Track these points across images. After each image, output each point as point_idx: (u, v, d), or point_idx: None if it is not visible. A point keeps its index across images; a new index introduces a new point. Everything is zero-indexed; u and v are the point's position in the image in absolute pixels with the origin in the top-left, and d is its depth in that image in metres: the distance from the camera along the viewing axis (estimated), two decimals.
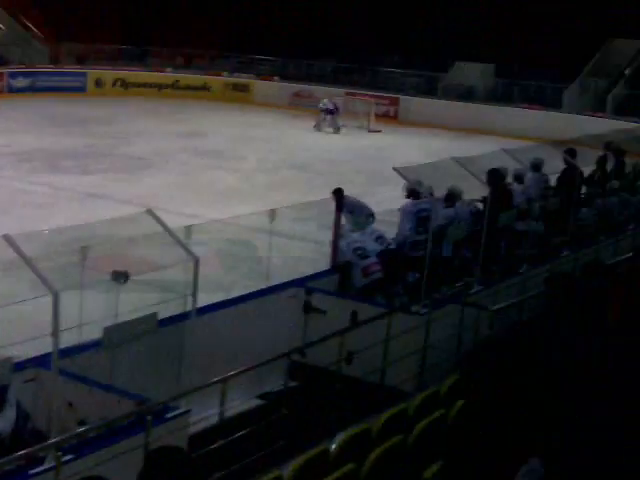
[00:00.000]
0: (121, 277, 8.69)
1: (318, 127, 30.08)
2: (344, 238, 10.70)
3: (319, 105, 30.55)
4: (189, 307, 8.69)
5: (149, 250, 11.56)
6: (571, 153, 13.75)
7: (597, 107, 30.97)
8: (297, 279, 10.10)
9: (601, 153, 15.31)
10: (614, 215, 13.71)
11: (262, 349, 8.09)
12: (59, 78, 33.34)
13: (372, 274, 10.37)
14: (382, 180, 17.54)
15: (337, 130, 29.85)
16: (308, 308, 9.46)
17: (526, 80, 33.08)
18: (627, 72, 32.41)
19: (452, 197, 11.45)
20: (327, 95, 31.62)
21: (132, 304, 8.69)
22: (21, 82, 35.24)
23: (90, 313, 8.62)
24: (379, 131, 30.03)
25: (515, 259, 11.07)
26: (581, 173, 13.65)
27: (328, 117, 30.09)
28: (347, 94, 33.26)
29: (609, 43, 33.36)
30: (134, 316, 8.15)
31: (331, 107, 30.20)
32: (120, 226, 12.44)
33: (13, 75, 35.22)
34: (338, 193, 10.73)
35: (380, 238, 10.87)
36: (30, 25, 38.55)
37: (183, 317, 8.66)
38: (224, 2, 42.20)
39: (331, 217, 10.87)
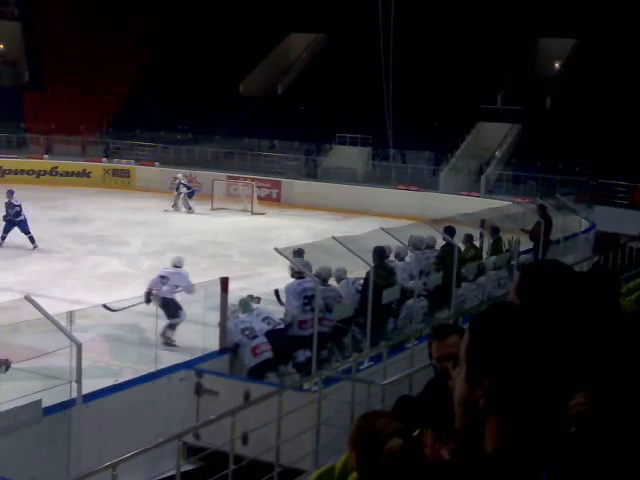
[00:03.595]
0: (1, 365, 8.50)
1: (176, 206, 30.29)
2: (231, 319, 10.75)
3: (175, 182, 30.88)
4: (75, 394, 8.54)
5: (30, 337, 11.33)
6: (449, 231, 14.22)
7: (471, 187, 32.13)
8: (187, 361, 10.06)
9: (477, 231, 15.87)
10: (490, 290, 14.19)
11: (154, 432, 7.98)
12: None
13: (262, 354, 10.42)
14: (268, 261, 17.69)
15: (189, 210, 30.14)
16: (200, 390, 9.39)
17: (402, 163, 34.15)
18: (498, 153, 33.88)
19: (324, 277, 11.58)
20: (207, 179, 31.92)
21: (14, 392, 8.48)
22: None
23: None
24: (263, 214, 30.32)
25: (403, 334, 11.30)
26: (459, 250, 14.12)
27: (183, 194, 30.33)
28: (229, 178, 33.51)
29: (479, 127, 34.90)
30: (17, 404, 7.96)
31: (186, 183, 30.52)
32: None
33: None
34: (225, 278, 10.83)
35: (267, 318, 10.96)
36: None
37: (69, 404, 8.49)
38: (101, 89, 42.28)
39: (217, 299, 10.92)
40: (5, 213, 22.64)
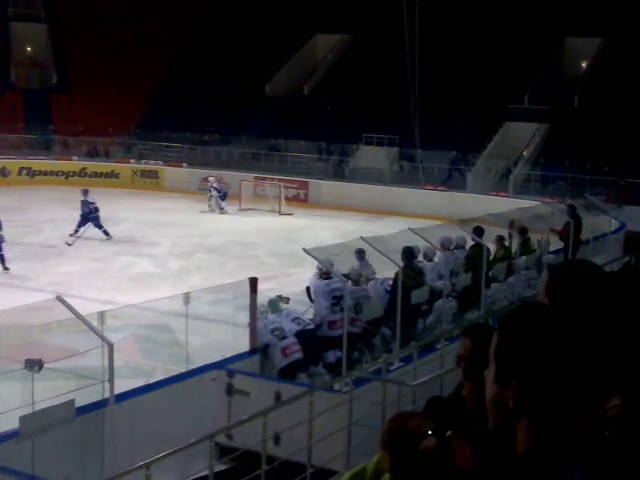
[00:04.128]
0: (35, 365, 8.58)
1: (210, 208, 30.56)
2: (261, 319, 10.78)
3: (207, 185, 31.19)
4: (107, 394, 8.61)
5: (62, 337, 11.44)
6: (478, 231, 14.19)
7: (499, 187, 32.02)
8: (218, 362, 10.10)
9: (506, 231, 15.82)
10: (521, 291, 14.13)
11: (186, 432, 8.04)
12: None
13: (292, 354, 10.45)
14: (296, 261, 17.73)
15: (222, 210, 30.36)
16: (231, 390, 9.44)
17: (429, 163, 34.08)
18: (525, 153, 33.73)
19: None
20: (235, 179, 32.06)
21: (48, 392, 8.56)
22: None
23: (6, 402, 8.46)
24: (290, 214, 30.39)
25: (433, 335, 11.30)
26: (488, 250, 14.08)
27: (215, 197, 30.57)
28: (256, 179, 33.62)
29: (506, 127, 34.76)
30: (51, 404, 8.03)
31: (217, 186, 30.70)
32: (31, 314, 12.30)
33: None
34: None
35: (297, 319, 10.98)
36: None
37: (102, 404, 8.56)
38: (129, 91, 42.56)
39: (246, 299, 10.96)
40: (81, 210, 24.38)
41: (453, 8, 38.62)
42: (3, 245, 19.78)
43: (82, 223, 24.13)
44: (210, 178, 31.66)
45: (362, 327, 11.12)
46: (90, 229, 24.06)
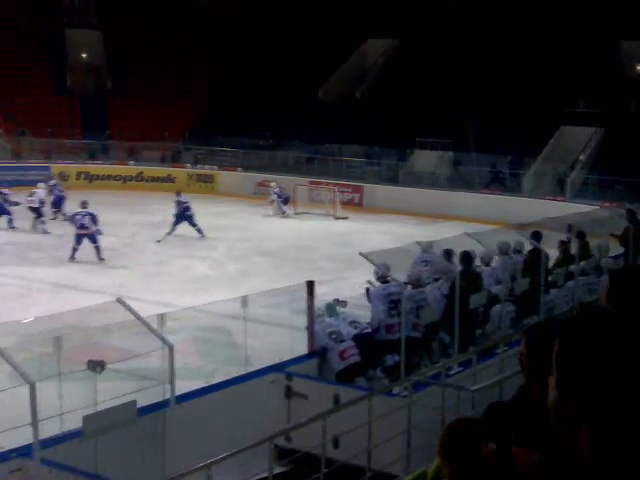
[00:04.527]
0: (97, 366, 8.70)
1: (274, 212, 30.82)
2: (318, 323, 10.81)
3: (269, 190, 31.51)
4: (167, 395, 8.71)
5: (123, 339, 11.59)
6: (536, 236, 14.06)
7: (555, 191, 31.72)
8: (277, 364, 10.16)
9: (564, 236, 15.65)
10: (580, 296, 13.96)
11: (246, 434, 8.10)
12: (22, 172, 33.43)
13: (349, 357, 10.46)
14: (351, 265, 17.73)
15: (284, 214, 30.65)
16: (289, 393, 9.49)
17: (483, 167, 33.88)
18: (582, 157, 33.34)
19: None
20: (289, 184, 32.23)
21: (110, 393, 8.69)
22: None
23: (69, 402, 8.59)
24: (346, 218, 30.43)
25: (492, 340, 11.23)
26: (546, 255, 13.94)
27: (276, 201, 30.85)
28: (311, 183, 33.75)
29: (562, 130, 34.39)
30: (113, 404, 8.15)
31: (278, 192, 30.96)
32: (92, 315, 12.49)
33: None
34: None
35: (354, 322, 10.99)
36: None
37: (163, 405, 8.65)
38: (183, 96, 42.98)
39: (303, 302, 11.00)
40: (175, 210, 25.70)
41: (507, 11, 38.33)
42: (98, 238, 21.54)
43: (177, 222, 25.37)
44: (272, 183, 31.94)
45: (423, 331, 11.11)
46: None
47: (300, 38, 43.27)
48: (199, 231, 25.44)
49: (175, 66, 43.80)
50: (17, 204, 26.92)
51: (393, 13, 41.72)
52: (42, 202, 27.15)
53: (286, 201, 31.05)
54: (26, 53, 42.76)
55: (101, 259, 21.42)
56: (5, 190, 27.58)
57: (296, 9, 44.13)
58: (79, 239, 21.53)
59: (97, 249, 21.46)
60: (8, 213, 26.55)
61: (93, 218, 21.81)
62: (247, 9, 45.22)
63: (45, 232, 25.62)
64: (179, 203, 25.92)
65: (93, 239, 21.57)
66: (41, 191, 27.67)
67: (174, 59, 44.04)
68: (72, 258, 21.43)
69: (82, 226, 21.61)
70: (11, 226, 26.47)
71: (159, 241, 24.24)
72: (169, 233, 24.85)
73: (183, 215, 25.61)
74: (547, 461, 3.13)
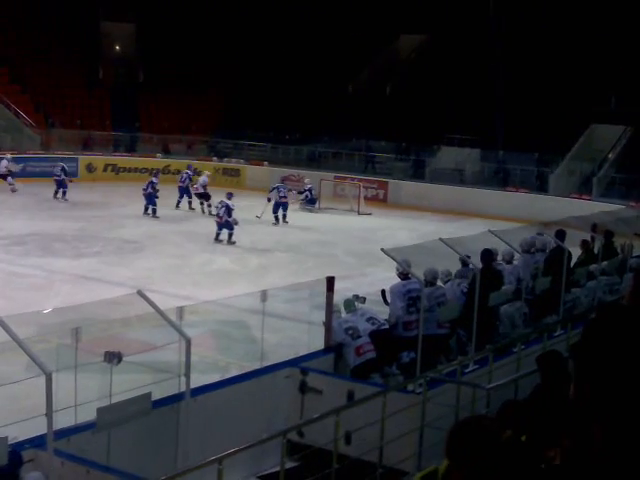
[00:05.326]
0: (114, 358, 8.71)
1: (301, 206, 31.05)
2: (336, 318, 10.78)
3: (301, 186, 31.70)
4: (183, 388, 8.71)
5: (141, 331, 11.63)
6: (560, 235, 13.94)
7: (583, 190, 31.47)
8: (292, 359, 10.14)
9: (588, 235, 15.52)
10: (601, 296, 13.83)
11: (259, 429, 8.09)
12: (50, 164, 33.59)
13: (365, 354, 10.42)
14: (374, 261, 17.68)
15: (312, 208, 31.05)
16: (304, 388, 9.47)
17: (511, 164, 33.69)
18: (611, 156, 33.04)
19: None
20: (315, 179, 32.22)
21: (126, 385, 8.70)
22: (13, 167, 35.54)
23: (84, 394, 8.61)
24: (369, 214, 30.36)
25: (509, 339, 11.15)
26: (569, 254, 13.81)
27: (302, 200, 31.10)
28: (336, 178, 33.72)
29: (592, 129, 34.09)
30: (128, 397, 8.16)
31: (309, 188, 31.22)
32: (112, 308, 12.56)
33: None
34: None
35: (372, 319, 10.94)
36: (20, 112, 39.12)
37: (177, 398, 8.66)
38: (212, 90, 43.10)
39: (323, 298, 10.97)
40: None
41: (538, 7, 38.03)
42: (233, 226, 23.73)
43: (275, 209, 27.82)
44: (306, 179, 32.04)
45: (448, 329, 11.08)
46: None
47: (331, 32, 43.22)
48: (276, 219, 27.69)
49: (205, 60, 43.92)
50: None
51: (426, 9, 41.54)
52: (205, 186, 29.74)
53: (313, 202, 31.02)
54: (60, 45, 43.07)
55: (232, 242, 23.41)
56: (155, 179, 28.95)
57: (329, 3, 44.05)
58: (219, 227, 23.82)
59: (228, 235, 23.54)
60: (154, 203, 27.90)
61: (228, 209, 23.74)
62: (279, 3, 45.20)
63: (211, 214, 27.29)
64: (278, 189, 28.18)
65: (224, 227, 23.75)
66: (205, 177, 30.11)
67: (204, 52, 44.15)
68: (217, 240, 23.71)
69: (217, 215, 24.07)
70: (155, 216, 27.72)
71: (259, 217, 27.56)
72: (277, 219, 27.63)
73: (279, 201, 27.96)
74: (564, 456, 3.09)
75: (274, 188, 28.72)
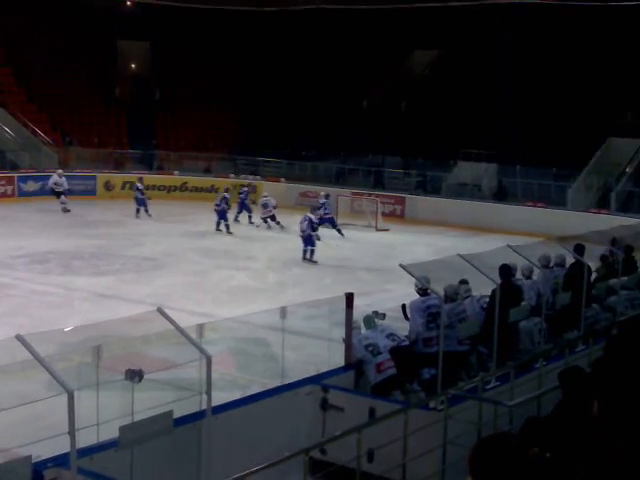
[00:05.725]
0: (135, 376, 8.72)
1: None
2: (355, 335, 10.77)
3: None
4: (204, 406, 8.72)
5: (162, 349, 11.66)
6: (579, 249, 13.88)
7: (601, 204, 31.35)
8: (313, 376, 10.12)
9: (606, 249, 15.44)
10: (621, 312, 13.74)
11: (281, 446, 8.07)
12: (68, 182, 33.79)
13: (385, 370, 10.40)
14: (393, 277, 17.67)
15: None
16: (325, 405, 9.46)
17: (528, 179, 33.61)
18: (628, 170, 32.92)
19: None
20: (332, 195, 32.18)
21: (147, 403, 8.72)
22: (31, 186, 35.86)
23: (106, 412, 8.64)
24: (387, 230, 30.35)
25: (530, 355, 11.11)
26: (589, 269, 13.75)
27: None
28: (353, 194, 33.76)
29: (609, 142, 33.99)
30: (149, 415, 8.17)
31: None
32: (132, 325, 12.59)
33: (23, 179, 35.87)
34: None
35: (392, 335, 10.92)
36: (38, 131, 39.41)
37: (199, 416, 8.66)
38: (229, 107, 43.28)
39: (342, 314, 10.97)
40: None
41: (552, 21, 38.04)
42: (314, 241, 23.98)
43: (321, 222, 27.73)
44: (321, 193, 32.00)
45: (468, 345, 11.04)
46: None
47: (346, 49, 43.35)
48: (339, 231, 28.62)
49: (221, 77, 44.14)
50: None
51: (439, 24, 41.62)
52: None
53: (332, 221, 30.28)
54: (77, 64, 43.41)
55: (306, 259, 23.64)
56: (228, 195, 30.01)
57: (342, 20, 44.21)
58: (304, 242, 24.05)
59: (310, 252, 23.73)
60: (226, 219, 29.01)
61: (311, 224, 24.13)
62: (294, 20, 45.41)
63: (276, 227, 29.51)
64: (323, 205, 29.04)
65: (307, 242, 24.00)
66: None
67: (220, 69, 44.39)
68: (305, 259, 23.83)
69: (301, 230, 24.31)
70: (229, 232, 28.75)
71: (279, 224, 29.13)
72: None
73: (325, 217, 28.46)
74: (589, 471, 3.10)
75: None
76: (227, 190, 31.10)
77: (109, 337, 10.93)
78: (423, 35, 42.37)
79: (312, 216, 24.62)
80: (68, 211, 31.87)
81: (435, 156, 35.79)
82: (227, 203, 29.22)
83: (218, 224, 28.90)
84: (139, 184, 32.33)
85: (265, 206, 30.40)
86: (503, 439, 4.00)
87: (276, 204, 30.41)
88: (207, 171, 40.29)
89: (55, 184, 32.70)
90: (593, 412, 6.45)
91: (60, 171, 33.73)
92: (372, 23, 43.61)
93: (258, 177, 38.37)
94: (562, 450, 5.83)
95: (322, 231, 25.75)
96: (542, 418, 7.34)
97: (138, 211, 31.97)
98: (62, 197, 32.32)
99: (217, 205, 29.15)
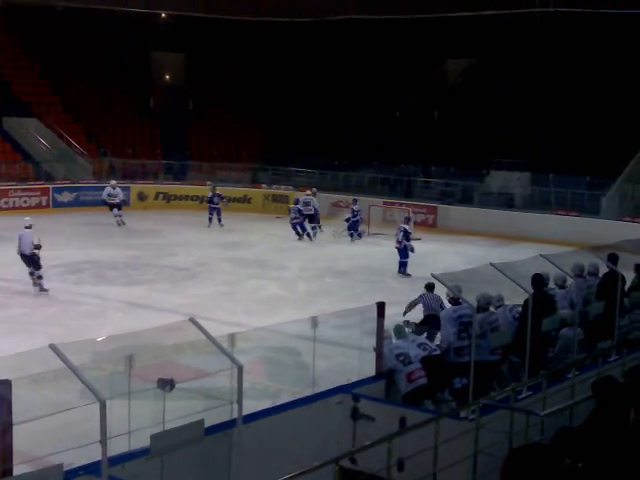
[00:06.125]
0: (167, 385, 8.75)
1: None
2: (387, 344, 10.75)
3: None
4: (235, 414, 8.74)
5: (194, 358, 11.70)
6: (613, 259, 13.75)
7: (635, 213, 31.05)
8: (344, 386, 10.11)
9: (636, 258, 15.27)
10: None
11: (311, 455, 8.06)
12: (102, 192, 34.02)
13: (416, 380, 10.37)
14: (424, 286, 17.60)
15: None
16: (356, 415, 9.44)
17: (561, 188, 33.36)
18: None
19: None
20: (364, 204, 32.17)
21: (178, 411, 8.75)
22: (66, 197, 36.24)
23: (138, 420, 8.68)
24: (418, 239, 30.21)
25: (563, 364, 11.02)
26: (623, 278, 13.61)
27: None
28: (385, 204, 33.72)
29: None
30: (180, 423, 8.21)
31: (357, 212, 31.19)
32: (164, 335, 12.63)
33: (58, 190, 36.25)
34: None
35: (423, 344, 10.90)
36: (73, 142, 39.80)
37: (230, 425, 8.68)
38: (261, 117, 43.44)
39: (373, 324, 10.95)
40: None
41: (589, 29, 37.79)
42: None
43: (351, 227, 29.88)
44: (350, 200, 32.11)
45: (500, 355, 10.98)
46: None
47: (378, 59, 43.38)
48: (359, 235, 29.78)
49: (253, 88, 44.34)
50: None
51: (472, 32, 41.54)
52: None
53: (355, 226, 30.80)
54: (112, 75, 43.85)
55: (401, 273, 23.40)
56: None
57: (375, 30, 44.26)
58: (400, 254, 23.74)
59: (403, 265, 23.53)
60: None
61: (406, 234, 23.95)
62: (326, 31, 45.54)
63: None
64: (351, 212, 29.97)
65: (402, 254, 23.72)
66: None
67: (252, 80, 44.60)
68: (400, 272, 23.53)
69: (397, 241, 24.10)
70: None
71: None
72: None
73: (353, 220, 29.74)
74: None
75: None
76: (297, 202, 31.17)
77: (141, 346, 10.98)
78: (456, 44, 42.29)
79: (406, 227, 24.28)
80: (123, 224, 31.77)
81: (467, 165, 35.67)
82: (301, 213, 30.00)
83: (299, 234, 29.64)
84: (216, 192, 32.58)
85: (307, 204, 30.55)
86: (535, 450, 3.97)
87: (318, 206, 30.71)
88: (239, 181, 40.38)
89: (109, 196, 32.39)
90: (629, 422, 6.36)
91: (113, 182, 33.53)
92: (404, 32, 43.59)
93: (290, 187, 38.44)
94: (594, 461, 5.77)
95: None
96: (574, 428, 7.28)
97: (210, 220, 32.16)
98: (116, 210, 32.09)
99: (293, 218, 30.05)
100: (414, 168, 37.59)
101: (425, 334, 11.79)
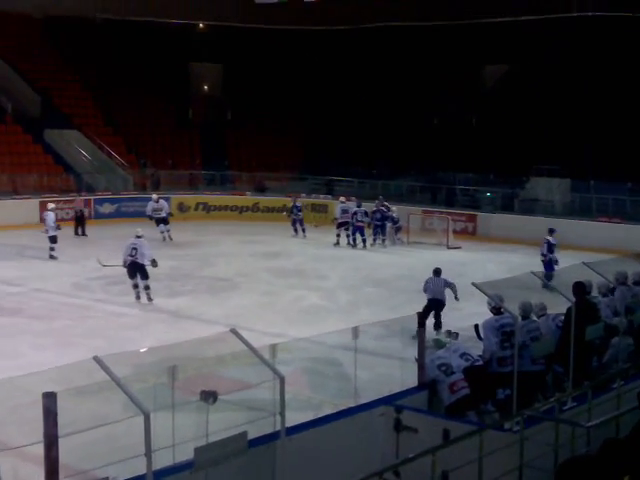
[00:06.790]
0: (210, 397, 8.77)
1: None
2: (428, 355, 10.70)
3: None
4: (278, 426, 8.74)
5: (236, 369, 11.72)
6: None
7: None
8: (386, 397, 10.07)
9: None
10: None
11: (354, 468, 8.04)
12: (144, 203, 34.37)
13: (459, 391, 10.31)
14: (465, 296, 17.51)
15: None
16: (399, 426, 9.40)
17: (602, 194, 33.02)
18: None
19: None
20: (403, 213, 32.09)
21: (221, 424, 8.77)
22: (107, 208, 36.58)
23: (182, 433, 8.71)
24: (459, 247, 30.12)
25: (608, 374, 10.90)
26: None
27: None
28: (424, 212, 33.62)
29: None
30: (224, 436, 8.22)
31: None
32: (206, 346, 12.68)
33: (99, 202, 36.59)
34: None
35: (465, 354, 10.82)
36: (113, 153, 40.20)
37: (273, 437, 8.68)
38: (299, 126, 43.55)
39: (414, 334, 10.92)
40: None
41: (628, 33, 37.46)
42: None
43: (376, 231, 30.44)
44: (393, 208, 32.07)
45: (543, 365, 10.88)
46: None
47: (415, 66, 43.34)
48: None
49: (291, 97, 44.49)
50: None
51: (509, 38, 41.35)
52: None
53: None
54: (151, 87, 44.26)
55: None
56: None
57: (412, 37, 44.24)
58: (546, 267, 22.59)
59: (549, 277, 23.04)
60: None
61: (549, 246, 23.20)
62: (364, 38, 45.61)
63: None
64: (380, 211, 30.32)
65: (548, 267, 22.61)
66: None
67: (290, 90, 44.75)
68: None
69: (541, 254, 23.32)
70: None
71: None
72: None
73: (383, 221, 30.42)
74: None
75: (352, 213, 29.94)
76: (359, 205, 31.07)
77: (183, 358, 11.04)
78: (493, 50, 42.12)
79: (550, 238, 23.61)
80: (170, 239, 30.55)
81: (507, 172, 35.44)
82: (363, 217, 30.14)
83: (354, 240, 29.96)
84: (298, 203, 32.95)
85: (345, 211, 30.50)
86: (584, 462, 3.93)
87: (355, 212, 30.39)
88: (279, 191, 40.48)
89: (154, 210, 31.04)
90: None
91: (155, 196, 32.20)
92: (442, 39, 43.53)
93: (329, 196, 38.47)
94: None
95: None
96: (621, 439, 7.19)
97: (296, 230, 32.39)
98: (162, 225, 30.64)
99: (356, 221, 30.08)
100: (453, 175, 37.43)
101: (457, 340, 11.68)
